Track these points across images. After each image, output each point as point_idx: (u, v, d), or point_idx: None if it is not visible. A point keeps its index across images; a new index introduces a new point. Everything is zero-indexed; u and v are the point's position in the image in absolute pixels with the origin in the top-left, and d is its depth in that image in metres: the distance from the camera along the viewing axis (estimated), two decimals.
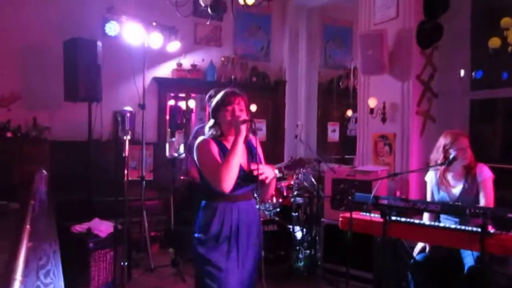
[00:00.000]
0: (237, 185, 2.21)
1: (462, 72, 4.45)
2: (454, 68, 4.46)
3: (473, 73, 4.58)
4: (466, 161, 3.01)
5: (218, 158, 2.22)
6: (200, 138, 2.31)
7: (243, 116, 2.24)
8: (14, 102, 4.64)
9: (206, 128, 2.37)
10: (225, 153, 2.22)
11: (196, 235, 2.31)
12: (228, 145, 2.26)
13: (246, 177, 2.28)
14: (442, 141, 3.12)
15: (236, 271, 2.25)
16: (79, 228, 3.87)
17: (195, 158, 2.30)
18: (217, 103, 2.31)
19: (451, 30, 4.33)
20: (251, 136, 2.35)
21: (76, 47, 4.47)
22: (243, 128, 2.21)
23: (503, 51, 4.40)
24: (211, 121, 2.35)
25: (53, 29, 4.99)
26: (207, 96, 3.24)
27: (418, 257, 3.11)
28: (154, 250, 5.02)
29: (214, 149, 2.24)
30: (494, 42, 4.41)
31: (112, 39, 4.91)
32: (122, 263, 3.75)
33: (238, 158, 2.19)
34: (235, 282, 2.23)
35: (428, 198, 3.24)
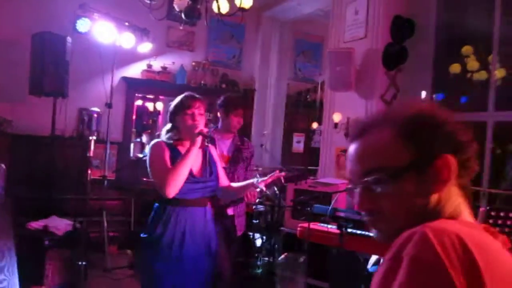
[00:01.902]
0: (189, 190, 2.21)
1: (423, 94, 4.65)
2: (416, 90, 4.65)
3: (434, 96, 4.80)
4: None
5: (168, 163, 2.21)
6: (154, 141, 2.32)
7: (201, 124, 2.24)
8: None
9: (163, 131, 2.36)
10: (176, 158, 2.22)
11: (141, 235, 2.31)
12: (183, 150, 2.25)
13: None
14: None
15: (175, 278, 2.20)
16: (35, 225, 3.80)
17: (147, 160, 2.28)
18: (177, 106, 2.30)
19: (415, 54, 4.53)
20: (208, 145, 2.37)
21: (44, 41, 4.38)
22: (199, 140, 2.21)
23: (463, 77, 4.65)
24: (169, 125, 2.35)
25: (23, 21, 4.90)
26: (218, 102, 3.23)
27: (371, 269, 3.22)
28: (112, 251, 4.96)
29: (166, 153, 2.23)
30: (455, 68, 4.65)
31: (83, 36, 4.86)
32: (79, 263, 3.70)
33: (187, 167, 2.19)
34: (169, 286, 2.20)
35: None
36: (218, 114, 3.27)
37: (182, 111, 2.26)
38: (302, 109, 7.14)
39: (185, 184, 2.19)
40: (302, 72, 7.41)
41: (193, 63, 6.19)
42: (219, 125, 3.24)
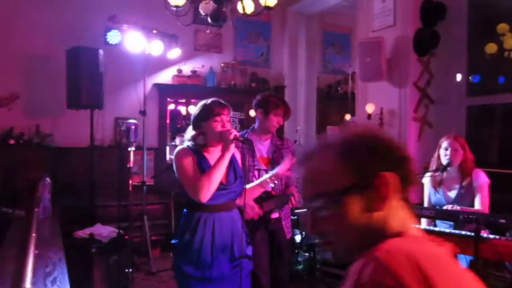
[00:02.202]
0: (216, 196, 2.22)
1: (459, 77, 4.51)
2: (451, 75, 4.53)
3: (470, 78, 4.65)
4: (456, 162, 3.06)
5: (197, 169, 2.21)
6: (180, 148, 2.31)
7: (234, 132, 2.25)
8: (14, 101, 4.69)
9: (187, 136, 2.34)
10: (203, 164, 2.23)
11: (172, 241, 2.34)
12: (209, 156, 2.27)
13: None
14: (439, 145, 3.19)
15: (207, 283, 2.22)
16: (82, 233, 3.93)
17: (174, 166, 2.28)
18: (204, 112, 2.28)
19: (448, 37, 4.41)
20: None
21: (78, 55, 4.54)
22: (232, 145, 2.23)
23: (500, 56, 4.47)
24: (192, 131, 2.33)
25: (56, 37, 5.08)
26: (254, 101, 3.06)
27: None
28: (156, 254, 5.07)
29: (194, 159, 2.23)
30: (491, 48, 4.49)
31: (114, 47, 4.99)
32: (126, 270, 3.80)
33: (222, 173, 2.21)
34: None
35: (426, 200, 3.30)
36: (254, 114, 3.11)
37: (212, 118, 2.26)
38: (334, 101, 7.07)
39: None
40: (331, 64, 7.33)
41: (222, 65, 6.24)
42: (256, 125, 3.06)
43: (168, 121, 6.11)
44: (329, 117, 7.10)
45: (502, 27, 4.48)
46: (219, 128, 2.25)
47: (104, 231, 3.99)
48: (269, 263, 2.93)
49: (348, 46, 7.28)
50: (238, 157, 2.50)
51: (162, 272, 4.56)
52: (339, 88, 7.16)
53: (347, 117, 6.80)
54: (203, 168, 2.24)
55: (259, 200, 2.86)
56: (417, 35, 4.31)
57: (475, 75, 4.69)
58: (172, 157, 2.34)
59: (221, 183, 2.27)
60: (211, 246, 2.24)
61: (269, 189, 2.90)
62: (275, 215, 2.97)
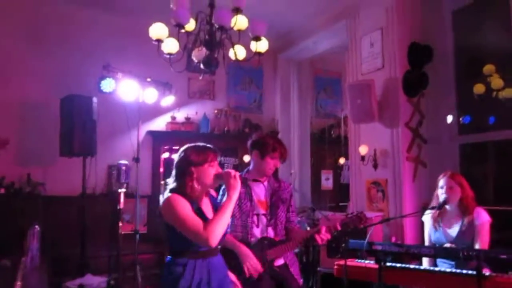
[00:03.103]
0: None
1: (450, 118, 4.56)
2: (442, 114, 4.58)
3: (461, 119, 4.70)
4: (454, 200, 3.04)
5: (195, 215, 2.16)
6: (171, 195, 2.21)
7: (234, 171, 2.27)
8: (3, 147, 4.65)
9: (174, 185, 2.27)
10: (197, 211, 2.18)
11: None
12: (200, 202, 2.26)
13: None
14: (437, 183, 3.18)
15: None
16: (71, 284, 3.80)
17: (168, 213, 2.19)
18: (197, 158, 2.26)
19: (436, 78, 4.50)
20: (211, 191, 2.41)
21: (72, 103, 4.58)
22: (238, 182, 2.22)
23: (488, 96, 4.56)
24: (180, 176, 2.26)
25: (50, 85, 5.14)
26: (250, 142, 3.00)
27: None
28: None
29: (189, 206, 2.17)
30: (479, 89, 4.57)
31: (108, 95, 5.03)
32: None
33: (230, 215, 2.21)
34: None
35: (426, 239, 3.24)
36: (249, 155, 3.03)
37: (206, 163, 2.26)
38: (328, 145, 7.10)
39: None
40: (323, 108, 7.43)
41: (215, 111, 6.31)
42: (251, 167, 2.98)
43: (162, 169, 6.08)
44: (323, 161, 7.12)
45: (489, 68, 4.58)
46: (213, 172, 2.27)
47: (95, 282, 3.86)
48: None
49: (339, 90, 7.41)
50: (214, 194, 2.50)
51: None
52: (332, 132, 7.23)
53: (341, 160, 6.83)
54: (198, 214, 2.18)
55: (262, 248, 2.78)
56: (406, 77, 4.40)
57: (465, 116, 4.75)
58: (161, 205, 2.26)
59: None
60: None
61: (272, 236, 2.83)
62: (279, 262, 2.86)
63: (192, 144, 2.36)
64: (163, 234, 2.33)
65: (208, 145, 2.36)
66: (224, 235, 2.28)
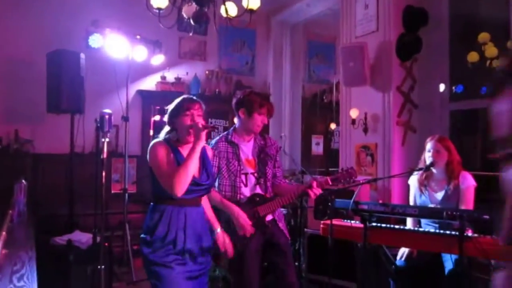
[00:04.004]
0: (188, 190, 2.24)
1: (442, 87, 4.53)
2: (434, 81, 4.55)
3: (453, 88, 4.68)
4: (440, 164, 3.05)
5: (173, 162, 2.24)
6: (155, 141, 2.32)
7: (201, 121, 2.28)
8: None
9: (162, 134, 2.37)
10: (178, 158, 2.26)
11: (142, 235, 2.30)
12: (183, 152, 2.30)
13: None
14: (425, 147, 3.18)
15: (183, 272, 2.24)
16: (59, 240, 3.81)
17: (148, 160, 2.29)
18: (175, 109, 2.33)
19: (430, 43, 4.44)
20: (206, 146, 2.41)
21: (59, 59, 4.47)
22: (203, 134, 2.24)
23: (482, 65, 4.52)
24: (167, 127, 2.37)
25: (37, 41, 5.01)
26: (235, 100, 2.91)
27: (399, 263, 3.12)
28: (138, 264, 4.93)
29: (169, 153, 2.26)
30: (473, 57, 4.54)
31: (96, 52, 4.93)
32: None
33: (195, 164, 2.25)
34: (183, 281, 2.23)
35: (411, 202, 3.27)
36: (237, 114, 2.92)
37: (182, 113, 2.29)
38: (319, 111, 7.08)
39: None
40: (316, 73, 7.36)
41: (207, 72, 6.22)
42: (237, 125, 2.93)
43: (152, 131, 6.03)
44: (314, 126, 7.11)
45: (483, 36, 4.53)
46: (188, 122, 2.28)
47: (83, 238, 3.87)
48: (259, 281, 2.80)
49: (333, 56, 7.32)
50: (210, 153, 2.52)
51: (144, 282, 4.44)
52: (324, 97, 7.19)
53: (332, 126, 6.83)
54: (178, 162, 2.25)
55: (253, 204, 2.79)
56: (400, 40, 4.34)
57: (457, 85, 4.73)
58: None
59: (194, 178, 2.28)
60: (184, 236, 2.25)
61: (262, 192, 2.84)
62: (268, 217, 2.86)
63: (181, 97, 2.41)
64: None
65: (188, 96, 2.41)
66: (204, 190, 2.35)
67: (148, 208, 2.35)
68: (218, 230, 2.55)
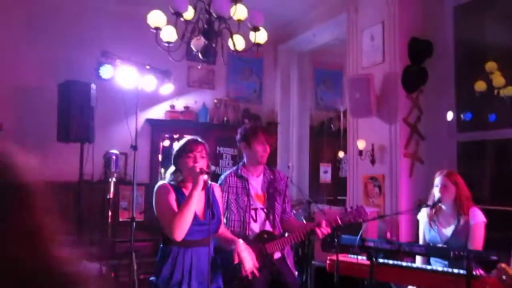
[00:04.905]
0: (193, 231, 2.25)
1: (450, 115, 4.53)
2: (440, 111, 4.55)
3: (462, 115, 4.67)
4: (448, 199, 3.02)
5: (175, 206, 2.26)
6: (160, 183, 2.37)
7: (202, 165, 2.30)
8: None
9: (168, 174, 2.41)
10: (181, 200, 2.28)
11: (151, 278, 2.33)
12: (187, 193, 2.31)
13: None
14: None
15: None
16: None
17: (153, 201, 2.33)
18: (179, 149, 2.38)
19: (436, 74, 4.47)
20: (211, 183, 2.41)
21: (70, 89, 4.56)
22: (201, 179, 2.24)
23: (489, 94, 4.52)
24: (172, 168, 2.40)
25: (48, 71, 5.12)
26: (237, 138, 2.99)
27: None
28: None
29: (172, 196, 2.29)
30: (480, 86, 4.54)
31: (106, 82, 5.01)
32: None
33: (192, 209, 2.24)
34: None
35: (420, 237, 3.24)
36: (241, 150, 3.04)
37: (185, 154, 2.33)
38: (327, 138, 7.08)
39: (190, 226, 2.24)
40: (323, 101, 7.39)
41: (215, 101, 6.28)
42: (245, 160, 2.95)
43: (161, 157, 6.07)
44: (322, 154, 7.10)
45: (491, 65, 4.55)
46: (191, 164, 2.30)
47: (90, 268, 3.87)
48: None
49: (340, 83, 7.37)
50: (218, 195, 2.52)
51: None
52: (331, 125, 7.20)
53: (341, 154, 6.81)
54: (181, 203, 2.28)
55: (262, 241, 2.76)
56: (406, 72, 4.37)
57: (466, 113, 4.72)
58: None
59: (197, 219, 2.30)
60: (188, 278, 2.26)
61: (271, 230, 2.82)
62: (277, 255, 2.85)
63: (186, 138, 2.47)
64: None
65: (193, 138, 2.45)
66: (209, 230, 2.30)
67: (156, 237, 2.40)
68: (239, 241, 2.48)
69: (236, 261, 2.43)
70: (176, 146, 2.42)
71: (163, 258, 2.29)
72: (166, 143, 6.49)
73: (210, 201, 2.39)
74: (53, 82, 4.79)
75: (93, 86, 4.67)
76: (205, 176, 2.27)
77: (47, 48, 5.23)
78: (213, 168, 2.39)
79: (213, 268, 2.40)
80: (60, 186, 4.98)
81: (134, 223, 4.68)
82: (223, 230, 2.60)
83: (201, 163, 2.31)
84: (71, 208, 4.82)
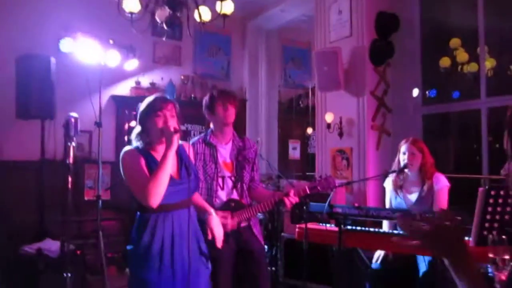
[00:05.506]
0: (170, 194, 2.09)
1: (416, 92, 4.60)
2: (407, 85, 4.62)
3: (427, 92, 4.75)
4: (414, 166, 3.08)
5: (145, 171, 2.08)
6: (125, 149, 2.17)
7: (174, 124, 2.12)
8: None
9: (133, 136, 2.21)
10: (152, 165, 2.10)
11: (127, 247, 2.19)
12: (157, 156, 2.13)
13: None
14: (398, 149, 3.21)
15: (171, 286, 2.10)
16: (29, 248, 3.70)
17: (121, 169, 2.14)
18: (147, 108, 2.17)
19: (402, 48, 4.52)
20: (182, 143, 2.26)
21: (29, 63, 4.36)
22: (176, 138, 2.09)
23: (454, 71, 4.62)
24: (138, 128, 2.20)
25: (7, 45, 4.86)
26: (203, 103, 2.92)
27: (374, 266, 3.13)
28: (111, 272, 4.84)
29: (141, 160, 2.10)
30: (445, 62, 4.63)
31: (67, 56, 4.82)
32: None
33: (168, 171, 2.07)
34: None
35: (387, 204, 3.29)
36: (208, 119, 2.95)
37: (153, 114, 2.13)
38: (296, 115, 7.10)
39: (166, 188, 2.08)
40: (292, 78, 7.39)
41: (182, 77, 6.17)
42: (212, 128, 2.88)
43: (126, 136, 5.93)
44: (290, 131, 7.12)
45: (455, 42, 4.63)
46: (161, 124, 2.12)
47: (54, 246, 3.77)
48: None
49: (308, 61, 7.36)
50: (190, 153, 2.37)
51: None
52: (300, 102, 7.21)
53: (309, 130, 6.85)
54: (151, 168, 2.10)
55: (228, 210, 2.72)
56: (373, 46, 4.39)
57: (431, 90, 4.81)
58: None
59: (173, 180, 2.15)
60: (171, 245, 2.12)
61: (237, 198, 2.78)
62: (243, 223, 2.80)
63: (152, 96, 2.26)
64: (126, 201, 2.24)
65: (162, 96, 2.26)
66: (188, 188, 2.20)
67: (122, 215, 2.24)
68: (212, 212, 2.36)
69: (210, 237, 2.34)
70: (143, 104, 2.20)
71: (141, 226, 2.12)
72: (133, 123, 6.34)
73: (182, 159, 2.25)
74: (11, 55, 4.56)
75: (52, 60, 4.48)
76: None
77: (4, 20, 4.96)
78: (183, 127, 2.23)
79: (197, 231, 2.27)
80: (21, 165, 4.82)
81: (100, 202, 4.58)
82: (196, 195, 2.44)
83: (172, 123, 2.12)
84: (33, 187, 4.67)
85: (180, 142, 2.22)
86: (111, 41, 4.86)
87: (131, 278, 2.18)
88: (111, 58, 4.88)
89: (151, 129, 2.15)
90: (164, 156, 2.07)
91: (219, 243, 2.36)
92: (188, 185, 2.18)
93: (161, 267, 2.09)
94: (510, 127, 1.08)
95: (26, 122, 4.55)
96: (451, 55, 4.64)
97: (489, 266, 1.35)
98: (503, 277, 1.24)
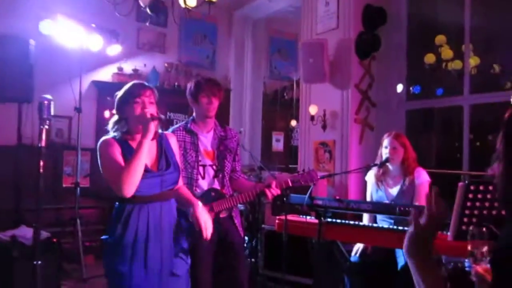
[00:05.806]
0: (146, 185, 2.04)
1: (400, 88, 4.60)
2: (391, 80, 4.62)
3: (411, 88, 4.76)
4: (396, 161, 3.08)
5: (121, 160, 2.02)
6: (103, 138, 2.11)
7: (152, 111, 2.06)
8: None
9: (110, 124, 2.15)
10: (128, 154, 2.03)
11: (103, 237, 2.15)
12: (134, 145, 2.06)
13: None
14: (381, 143, 3.20)
15: (143, 280, 2.05)
16: (3, 235, 3.60)
17: (98, 160, 2.08)
18: (124, 95, 2.10)
19: (388, 42, 4.50)
20: (165, 133, 2.21)
21: (6, 45, 4.23)
22: (152, 126, 2.02)
23: (438, 67, 4.63)
24: (116, 117, 2.13)
25: None
26: (187, 89, 2.83)
27: (353, 259, 3.13)
28: (89, 261, 4.76)
29: (117, 149, 2.04)
30: (430, 58, 4.64)
31: (47, 39, 4.70)
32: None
33: (143, 160, 2.00)
34: None
35: (368, 198, 3.29)
36: (191, 105, 2.87)
37: (131, 101, 2.07)
38: (280, 107, 7.06)
39: (141, 180, 2.01)
40: (278, 70, 7.34)
41: (166, 65, 6.07)
42: (195, 116, 2.82)
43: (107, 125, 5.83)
44: (274, 123, 7.10)
45: (440, 38, 4.65)
46: (139, 111, 2.05)
47: (29, 233, 3.67)
48: (211, 280, 2.71)
49: (294, 52, 7.32)
50: (174, 144, 2.29)
51: (95, 279, 4.28)
52: (285, 94, 7.18)
53: (293, 122, 6.83)
54: (128, 157, 2.03)
55: (209, 199, 2.67)
56: (359, 38, 4.37)
57: (415, 86, 4.82)
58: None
59: (150, 171, 2.08)
60: (147, 239, 2.05)
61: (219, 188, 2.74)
62: (223, 214, 2.75)
63: (131, 82, 2.18)
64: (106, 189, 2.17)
65: (140, 82, 2.18)
66: (168, 181, 2.15)
67: (102, 204, 2.18)
68: (198, 204, 2.26)
69: (198, 228, 2.25)
70: (120, 91, 2.13)
71: (117, 216, 2.07)
72: (114, 111, 6.24)
73: (163, 149, 2.18)
74: None
75: (32, 42, 4.36)
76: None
77: None
78: (162, 116, 2.14)
79: (177, 230, 2.22)
80: None
81: (79, 189, 4.50)
82: (182, 186, 2.36)
83: (151, 109, 2.06)
84: (9, 173, 4.55)
85: (165, 132, 2.16)
86: (93, 25, 4.75)
87: (104, 268, 2.14)
88: (93, 42, 4.77)
89: (129, 116, 2.09)
90: (140, 144, 2.00)
91: (207, 234, 2.25)
92: (165, 177, 2.12)
93: (133, 259, 2.04)
94: (506, 128, 1.06)
95: (2, 105, 4.43)
96: (436, 51, 4.65)
97: (466, 260, 1.35)
98: (480, 270, 1.23)
